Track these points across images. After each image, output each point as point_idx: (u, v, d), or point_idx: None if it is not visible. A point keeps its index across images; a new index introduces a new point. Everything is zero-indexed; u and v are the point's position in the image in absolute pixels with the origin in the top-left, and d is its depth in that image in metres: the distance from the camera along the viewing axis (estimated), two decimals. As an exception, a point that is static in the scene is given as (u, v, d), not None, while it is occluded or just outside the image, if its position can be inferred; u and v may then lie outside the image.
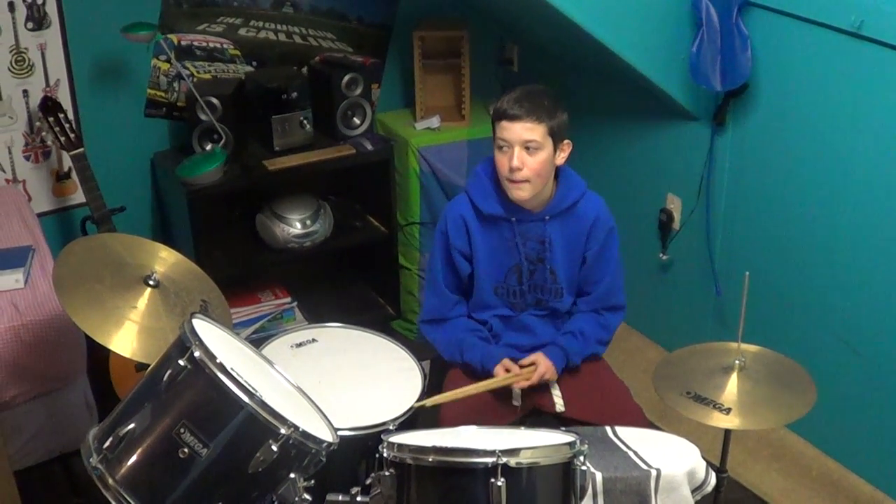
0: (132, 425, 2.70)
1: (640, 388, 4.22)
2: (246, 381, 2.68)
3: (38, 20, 4.63)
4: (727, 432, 3.50)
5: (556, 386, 3.80)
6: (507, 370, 3.70)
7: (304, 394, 3.10)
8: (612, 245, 3.81)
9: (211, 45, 5.03)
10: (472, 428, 3.08)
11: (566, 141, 3.62)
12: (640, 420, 3.71)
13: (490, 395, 3.74)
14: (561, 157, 3.63)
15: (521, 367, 3.73)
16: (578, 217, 3.73)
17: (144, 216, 5.18)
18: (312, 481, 2.81)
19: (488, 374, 3.71)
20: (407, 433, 2.95)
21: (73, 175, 4.75)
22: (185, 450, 2.65)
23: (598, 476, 3.12)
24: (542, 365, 3.72)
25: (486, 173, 3.72)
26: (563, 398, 3.77)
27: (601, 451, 3.28)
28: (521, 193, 3.60)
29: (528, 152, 3.53)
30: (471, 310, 3.87)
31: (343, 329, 3.88)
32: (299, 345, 3.74)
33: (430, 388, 3.66)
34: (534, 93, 3.57)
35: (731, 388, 3.33)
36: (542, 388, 3.80)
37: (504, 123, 3.53)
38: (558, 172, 3.69)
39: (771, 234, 4.36)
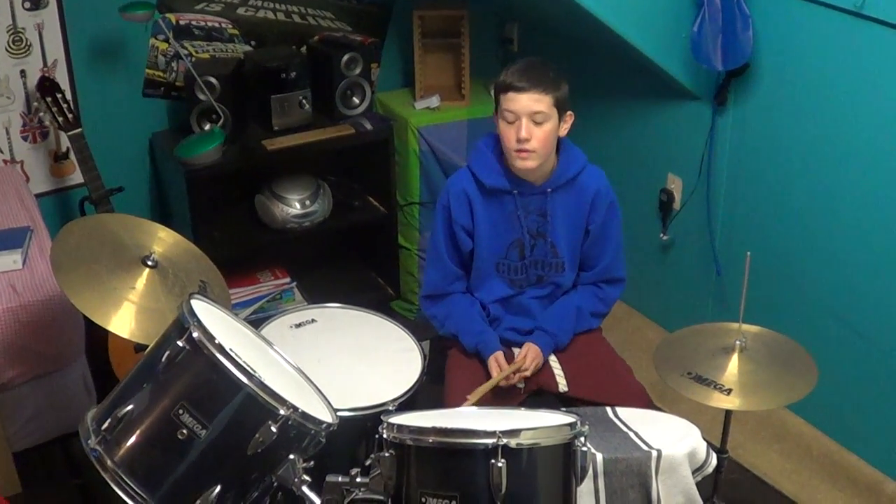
0: (130, 406, 2.70)
1: (641, 369, 4.21)
2: (245, 362, 2.67)
3: (35, 0, 4.60)
4: (728, 413, 3.51)
5: (560, 366, 3.80)
6: (499, 365, 3.72)
7: (304, 374, 3.10)
8: (615, 219, 3.82)
9: (209, 24, 5.00)
10: (473, 409, 3.08)
11: (569, 112, 3.62)
12: (643, 398, 3.71)
13: (488, 377, 3.74)
14: (564, 129, 3.63)
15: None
16: (580, 190, 3.73)
17: (143, 196, 5.17)
18: (312, 462, 2.81)
19: (482, 359, 3.75)
20: (407, 414, 2.94)
21: (71, 155, 4.74)
22: (184, 431, 2.65)
23: (599, 457, 3.11)
24: (530, 352, 3.74)
25: (488, 147, 3.72)
26: (566, 378, 3.77)
27: (602, 431, 3.28)
28: (527, 164, 3.59)
29: (535, 123, 3.53)
30: (471, 290, 3.87)
31: (342, 309, 3.87)
32: (298, 325, 3.73)
33: (430, 368, 3.65)
34: (537, 64, 3.58)
35: (732, 368, 3.34)
36: (545, 368, 3.81)
37: (511, 95, 3.52)
38: (559, 145, 3.68)
39: (772, 214, 4.35)
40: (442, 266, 3.81)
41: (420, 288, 3.92)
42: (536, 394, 3.81)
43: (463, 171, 3.77)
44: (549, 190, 3.68)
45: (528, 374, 3.71)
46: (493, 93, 3.65)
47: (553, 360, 3.82)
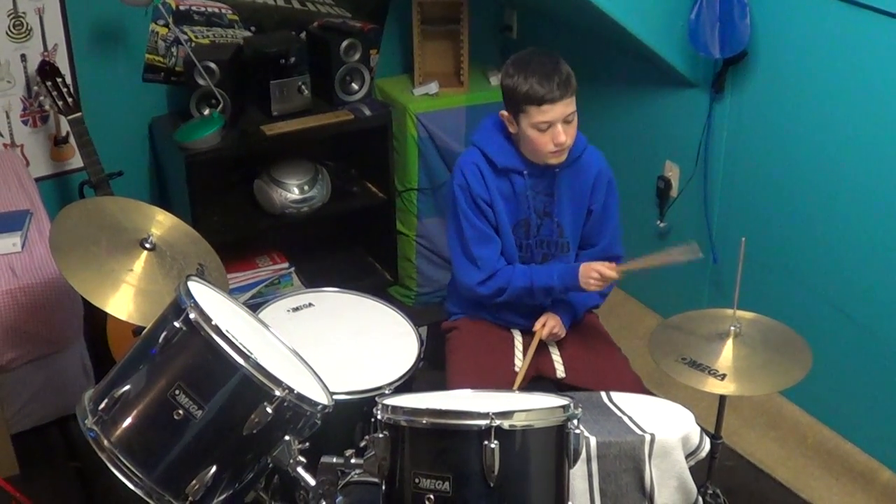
0: (127, 387, 2.70)
1: (637, 355, 4.22)
2: (241, 343, 2.68)
3: (36, -17, 4.62)
4: (722, 398, 3.52)
5: (558, 352, 3.82)
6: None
7: (300, 357, 3.11)
8: (614, 197, 3.85)
9: (209, 9, 5.01)
10: (467, 391, 3.08)
11: None
12: (638, 389, 3.73)
13: (493, 360, 3.78)
14: None
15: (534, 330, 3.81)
16: (583, 169, 3.75)
17: (142, 181, 5.18)
18: (307, 444, 2.81)
19: (573, 287, 3.71)
20: (402, 396, 2.95)
21: (71, 139, 4.75)
22: (180, 411, 2.65)
23: (593, 440, 3.13)
24: (550, 320, 3.78)
25: (495, 127, 3.73)
26: (564, 365, 3.79)
27: (596, 415, 3.29)
28: (561, 159, 3.64)
29: (567, 122, 3.55)
30: None
31: (340, 294, 3.89)
32: (296, 309, 3.74)
33: (427, 354, 3.66)
34: (551, 64, 3.54)
35: (727, 354, 3.35)
36: (544, 354, 3.84)
37: (545, 107, 3.50)
38: None
39: (768, 201, 4.36)
40: (489, 240, 3.76)
41: (476, 274, 3.76)
42: (535, 380, 3.83)
43: (472, 149, 3.77)
44: (557, 169, 3.69)
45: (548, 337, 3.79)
46: (509, 97, 3.58)
47: (552, 347, 3.85)
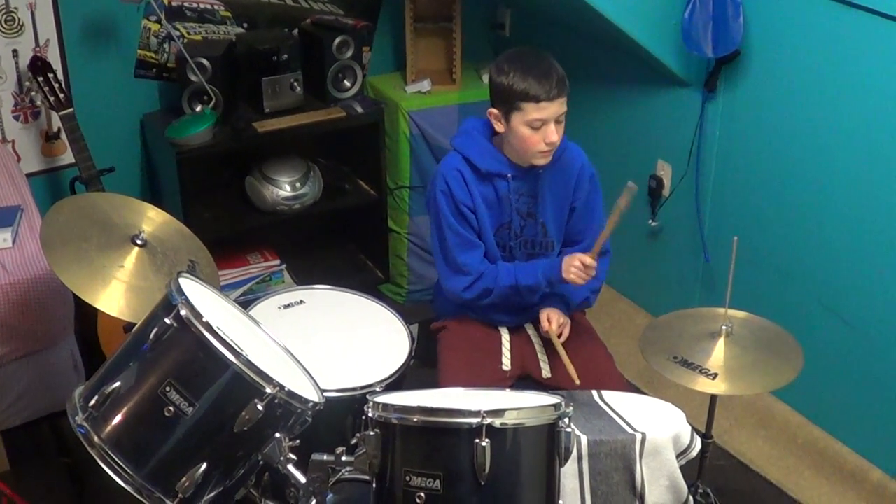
0: (118, 383, 2.70)
1: (628, 354, 4.23)
2: (232, 340, 2.67)
3: (27, -21, 4.61)
4: (713, 398, 3.52)
5: (545, 352, 3.81)
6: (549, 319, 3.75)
7: (291, 354, 3.11)
8: (597, 192, 3.83)
9: (201, 6, 5.00)
10: (459, 389, 3.08)
11: None
12: (622, 389, 3.71)
13: (480, 359, 3.77)
14: None
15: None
16: (565, 166, 3.74)
17: (134, 177, 5.16)
18: (298, 441, 2.81)
19: (556, 281, 3.70)
20: (393, 394, 2.95)
21: (63, 135, 4.73)
22: (171, 408, 2.65)
23: (584, 439, 3.13)
24: (552, 315, 3.75)
25: (477, 131, 3.72)
26: (550, 365, 3.79)
27: (587, 414, 3.30)
28: (547, 160, 3.62)
29: (557, 122, 3.54)
30: None
31: (331, 291, 3.88)
32: (287, 306, 3.73)
33: (418, 351, 3.66)
34: (547, 62, 3.53)
35: (718, 353, 3.35)
36: (531, 354, 3.83)
37: (543, 104, 3.48)
38: None
39: (760, 200, 4.36)
40: (472, 246, 3.74)
41: (461, 280, 3.75)
42: (521, 379, 3.82)
43: (453, 155, 3.75)
44: (541, 170, 3.68)
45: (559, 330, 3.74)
46: (502, 94, 3.55)
47: (538, 346, 3.84)
